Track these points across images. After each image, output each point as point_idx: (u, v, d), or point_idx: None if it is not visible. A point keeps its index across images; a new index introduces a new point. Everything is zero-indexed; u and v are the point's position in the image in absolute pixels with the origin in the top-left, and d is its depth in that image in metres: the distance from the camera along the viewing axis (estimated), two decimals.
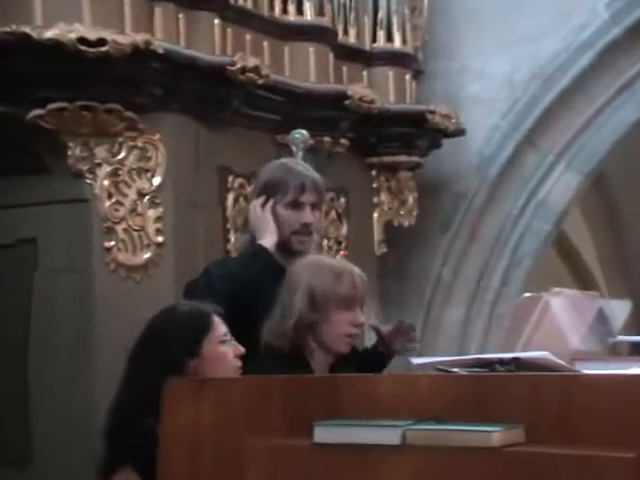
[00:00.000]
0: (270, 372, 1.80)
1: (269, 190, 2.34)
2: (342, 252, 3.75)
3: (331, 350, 2.07)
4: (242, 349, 1.93)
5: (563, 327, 1.85)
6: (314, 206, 2.34)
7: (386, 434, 1.44)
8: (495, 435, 1.40)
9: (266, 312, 2.09)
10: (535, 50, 4.25)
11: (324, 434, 1.49)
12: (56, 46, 2.75)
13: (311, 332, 2.05)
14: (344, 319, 2.05)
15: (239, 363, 1.93)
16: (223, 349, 1.91)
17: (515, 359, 1.60)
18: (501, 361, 1.60)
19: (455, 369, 1.60)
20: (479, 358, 1.65)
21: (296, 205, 2.32)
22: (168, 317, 1.95)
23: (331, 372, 2.07)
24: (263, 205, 2.32)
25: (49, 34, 2.75)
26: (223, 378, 1.81)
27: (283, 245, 2.32)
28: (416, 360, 1.72)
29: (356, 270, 2.09)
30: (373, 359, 2.33)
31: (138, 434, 1.80)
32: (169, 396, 1.61)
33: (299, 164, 2.40)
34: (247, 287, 2.19)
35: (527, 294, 1.96)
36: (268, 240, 2.29)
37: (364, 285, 2.08)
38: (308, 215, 2.32)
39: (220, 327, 1.93)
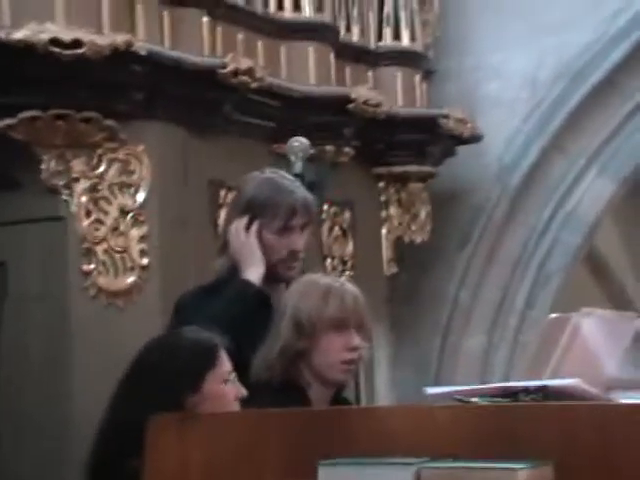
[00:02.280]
0: (260, 408, 1.77)
1: (254, 209, 2.25)
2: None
3: (328, 380, 2.02)
4: (244, 391, 1.88)
5: (596, 351, 1.83)
6: (303, 227, 2.27)
7: (398, 473, 1.42)
8: (521, 473, 1.38)
9: (252, 352, 2.04)
10: (561, 43, 4.24)
11: (329, 475, 1.47)
12: (26, 48, 2.77)
13: (303, 362, 2.01)
14: (336, 343, 1.99)
15: (238, 406, 1.88)
16: (226, 389, 1.86)
17: (542, 387, 1.58)
18: (526, 390, 1.58)
19: (475, 399, 1.58)
20: (502, 387, 1.63)
21: (285, 230, 2.25)
22: (171, 343, 1.91)
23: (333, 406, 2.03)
24: (247, 227, 2.24)
25: (18, 35, 2.77)
26: (213, 414, 1.79)
27: (268, 272, 2.25)
28: (431, 390, 1.71)
29: (348, 287, 2.04)
30: None
31: (121, 475, 1.77)
32: (153, 433, 1.59)
33: (287, 179, 2.32)
34: (234, 332, 2.08)
35: (554, 315, 1.94)
36: (254, 273, 2.22)
37: (358, 303, 2.02)
38: (298, 242, 2.25)
39: (226, 363, 1.88)
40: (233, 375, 1.90)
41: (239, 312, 2.18)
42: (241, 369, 1.98)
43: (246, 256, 2.23)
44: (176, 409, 1.74)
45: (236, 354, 1.97)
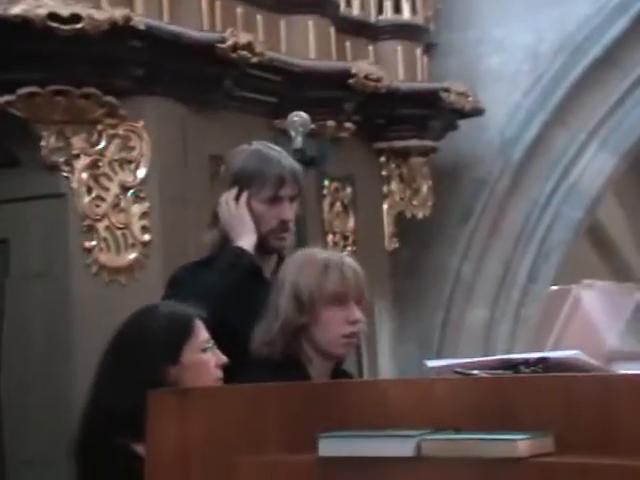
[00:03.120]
0: (260, 382, 1.77)
1: (242, 181, 2.24)
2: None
3: (329, 354, 2.02)
4: (224, 358, 1.90)
5: (597, 323, 1.83)
6: (292, 199, 2.26)
7: (399, 445, 1.42)
8: (521, 444, 1.38)
9: (246, 321, 2.04)
10: (562, 16, 4.21)
11: (329, 447, 1.47)
12: (24, 23, 2.74)
13: (304, 336, 2.00)
14: (336, 317, 1.99)
15: (220, 373, 1.90)
16: (205, 357, 1.88)
17: (543, 359, 1.58)
18: (527, 362, 1.58)
19: (475, 372, 1.58)
20: (502, 359, 1.63)
21: (274, 200, 2.24)
22: (145, 319, 1.93)
23: (333, 379, 2.03)
24: (236, 199, 2.23)
25: (15, 10, 2.75)
26: (213, 387, 1.79)
27: (259, 243, 2.25)
28: (431, 363, 1.70)
29: (347, 260, 2.03)
30: None
31: (112, 454, 1.78)
32: (153, 409, 1.59)
33: (274, 150, 2.31)
34: (226, 301, 2.12)
35: (555, 287, 1.94)
36: (246, 241, 2.21)
37: (357, 277, 2.01)
38: (287, 211, 2.25)
39: (202, 333, 1.91)
40: (211, 343, 1.90)
41: (232, 279, 2.17)
42: (230, 337, 1.98)
43: (237, 226, 2.23)
44: (158, 382, 1.75)
45: (218, 322, 1.97)
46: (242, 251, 2.21)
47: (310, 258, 2.05)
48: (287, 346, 1.99)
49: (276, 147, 2.35)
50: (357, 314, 2.03)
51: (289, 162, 2.29)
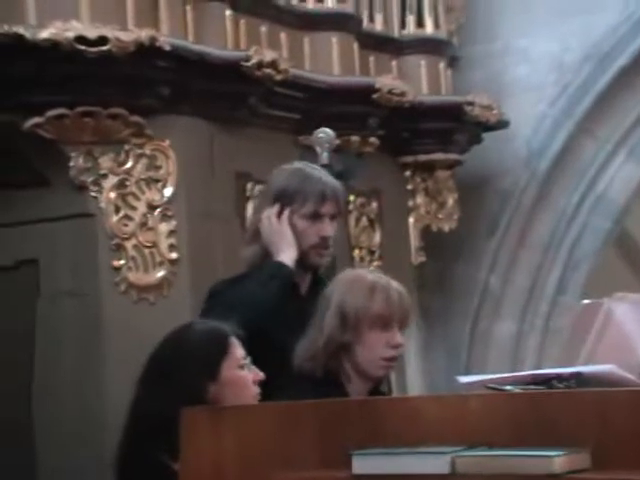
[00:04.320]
0: (301, 398, 1.78)
1: (284, 199, 2.29)
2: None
3: (368, 375, 2.04)
4: (261, 374, 1.92)
5: (630, 336, 1.81)
6: (333, 217, 2.32)
7: (433, 462, 1.42)
8: (557, 460, 1.37)
9: (280, 333, 2.07)
10: (588, 24, 4.18)
11: (363, 464, 1.47)
12: (52, 47, 2.78)
13: (345, 355, 2.02)
14: (379, 340, 2.02)
15: (258, 390, 1.91)
16: (242, 374, 1.90)
17: (576, 374, 1.56)
18: (560, 377, 1.57)
19: (508, 387, 1.57)
20: (535, 374, 1.62)
21: (315, 216, 2.29)
22: (183, 337, 1.94)
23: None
24: (279, 215, 2.29)
25: (44, 34, 2.78)
26: (247, 405, 1.80)
27: (298, 259, 2.29)
28: (464, 379, 1.70)
29: (393, 284, 2.06)
30: None
31: (148, 470, 1.79)
32: (187, 426, 1.60)
33: (316, 169, 2.37)
34: (266, 310, 2.16)
35: (586, 301, 1.92)
36: (287, 255, 2.25)
37: (403, 301, 2.04)
38: (328, 228, 2.29)
39: (239, 350, 1.92)
40: (248, 360, 1.92)
41: (272, 290, 2.21)
42: (265, 347, 2.00)
43: (278, 240, 2.27)
44: (198, 400, 1.76)
45: (255, 331, 2.00)
46: (283, 264, 2.25)
47: (358, 278, 2.07)
48: (328, 363, 2.01)
49: (317, 167, 2.40)
50: (399, 339, 2.06)
51: (330, 180, 2.34)
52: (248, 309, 2.15)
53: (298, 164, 2.40)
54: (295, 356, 2.04)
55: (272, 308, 2.17)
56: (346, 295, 2.03)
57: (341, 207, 2.37)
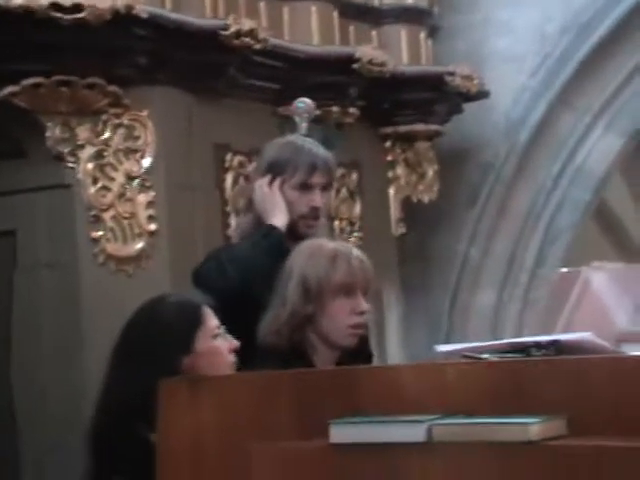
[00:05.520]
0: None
1: (276, 169, 2.36)
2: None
3: (335, 344, 2.04)
4: (236, 342, 1.92)
5: (607, 305, 1.82)
6: (324, 188, 2.36)
7: (410, 431, 1.42)
8: (534, 428, 1.38)
9: (265, 295, 2.09)
10: None
11: (341, 433, 1.47)
12: (26, 14, 2.73)
13: (310, 326, 2.02)
14: (343, 308, 2.01)
15: (234, 358, 1.91)
16: (217, 343, 1.90)
17: (553, 342, 1.57)
18: (538, 345, 1.57)
19: (485, 355, 1.57)
20: (512, 342, 1.63)
21: (305, 187, 2.34)
22: (155, 310, 1.93)
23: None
24: (270, 184, 2.33)
25: (17, 1, 2.73)
26: (224, 376, 1.80)
27: (289, 229, 2.33)
28: (441, 347, 1.70)
29: (354, 252, 2.06)
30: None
31: (126, 443, 1.79)
32: (165, 398, 1.59)
33: (307, 141, 2.42)
34: (258, 269, 2.21)
35: (564, 269, 1.93)
36: (279, 219, 2.31)
37: (365, 268, 2.04)
38: (318, 198, 2.34)
39: (212, 320, 1.92)
40: (222, 329, 1.92)
41: (263, 249, 2.25)
42: (251, 305, 2.01)
43: (270, 207, 2.32)
44: (172, 372, 1.77)
45: (244, 289, 2.06)
46: (274, 226, 2.31)
47: (318, 248, 2.06)
48: (292, 335, 2.00)
49: (309, 139, 2.43)
50: (364, 305, 2.05)
51: (322, 152, 2.39)
52: (240, 265, 2.21)
53: (290, 137, 2.46)
54: (259, 330, 2.03)
55: (262, 265, 2.21)
56: (307, 265, 2.02)
57: (332, 178, 2.42)
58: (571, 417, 1.41)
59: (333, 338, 2.02)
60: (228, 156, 3.35)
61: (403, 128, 4.06)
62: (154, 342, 1.86)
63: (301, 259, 2.04)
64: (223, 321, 1.94)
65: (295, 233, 2.32)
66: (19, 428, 2.97)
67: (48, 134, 2.96)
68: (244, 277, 2.20)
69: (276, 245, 2.26)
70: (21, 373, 3.00)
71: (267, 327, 2.03)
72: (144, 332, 1.89)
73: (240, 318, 2.01)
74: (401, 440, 1.42)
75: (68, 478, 2.67)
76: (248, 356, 1.95)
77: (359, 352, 2.11)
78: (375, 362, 2.36)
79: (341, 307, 2.01)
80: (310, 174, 2.33)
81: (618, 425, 1.40)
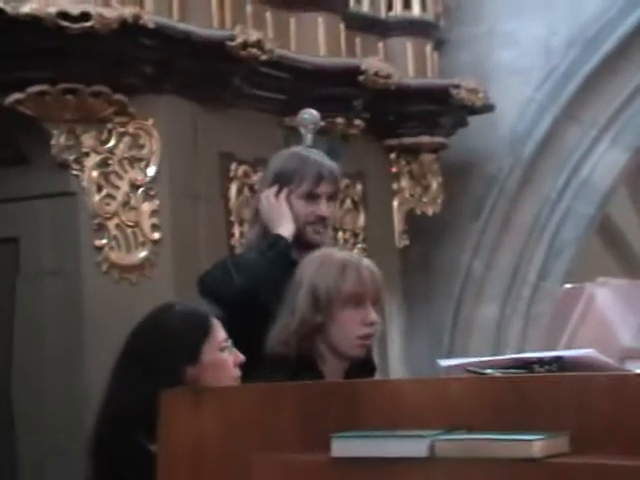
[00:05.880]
0: (273, 381, 1.77)
1: (282, 180, 2.37)
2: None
3: (343, 354, 2.03)
4: (242, 357, 1.91)
5: (611, 321, 1.82)
6: (330, 198, 2.37)
7: (412, 446, 1.42)
8: (537, 444, 1.37)
9: (273, 303, 2.10)
10: (575, 9, 4.16)
11: (342, 447, 1.46)
12: (34, 22, 2.74)
13: (319, 336, 2.01)
14: (353, 319, 2.00)
15: (239, 372, 1.90)
16: (223, 356, 1.89)
17: (557, 358, 1.57)
18: (541, 361, 1.57)
19: (489, 371, 1.57)
20: (516, 358, 1.62)
21: (312, 196, 2.35)
22: (162, 318, 1.92)
23: (346, 379, 2.03)
24: (277, 194, 2.35)
25: (26, 9, 2.75)
26: (226, 387, 1.79)
27: (297, 237, 2.34)
28: (444, 362, 1.70)
29: (364, 262, 2.06)
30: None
31: (127, 452, 1.78)
32: (167, 408, 1.59)
33: (313, 152, 2.43)
34: (264, 279, 2.21)
35: (569, 285, 1.93)
36: (285, 229, 2.32)
37: (374, 278, 2.04)
38: (324, 208, 2.35)
39: (220, 332, 1.91)
40: (229, 342, 1.91)
41: (270, 258, 2.27)
42: (258, 314, 2.04)
43: (276, 217, 2.34)
44: (177, 382, 1.75)
45: (250, 297, 2.08)
46: (280, 236, 2.32)
47: (328, 258, 2.06)
48: (301, 345, 1.99)
49: (316, 151, 2.45)
50: (373, 316, 2.04)
51: (327, 162, 2.40)
52: (246, 274, 2.22)
53: (296, 148, 2.47)
54: (268, 340, 2.03)
55: (269, 274, 2.22)
56: (317, 275, 2.02)
57: (338, 188, 2.44)
58: (574, 434, 1.40)
59: (342, 348, 2.01)
60: (233, 166, 3.35)
61: (408, 140, 4.07)
62: (159, 350, 1.85)
63: (311, 269, 2.04)
64: (229, 331, 1.93)
65: (303, 242, 2.33)
66: (19, 434, 2.96)
67: (53, 142, 2.97)
68: (250, 285, 2.21)
69: (282, 254, 2.27)
70: (22, 380, 2.99)
71: (276, 337, 2.02)
72: (149, 340, 1.88)
73: (246, 326, 2.01)
74: (403, 455, 1.41)
75: None
76: (254, 365, 1.94)
77: (366, 362, 2.10)
78: (377, 373, 2.35)
79: (350, 317, 2.00)
80: (317, 184, 2.34)
81: (621, 442, 1.39)
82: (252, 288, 2.19)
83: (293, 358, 2.00)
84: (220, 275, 2.28)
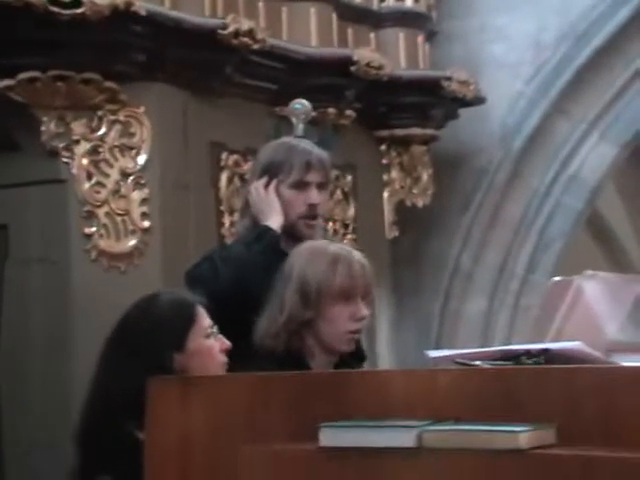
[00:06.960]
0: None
1: (271, 170, 2.37)
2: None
3: (333, 349, 2.01)
4: (228, 343, 1.91)
5: (598, 314, 1.82)
6: (320, 186, 2.36)
7: (400, 436, 1.42)
8: (523, 436, 1.38)
9: (262, 293, 2.09)
10: (565, 4, 4.18)
11: (331, 437, 1.47)
12: (25, 8, 2.72)
13: (308, 330, 1.99)
14: (343, 314, 1.98)
15: (225, 358, 1.91)
16: (209, 343, 1.89)
17: (544, 350, 1.58)
18: (529, 353, 1.58)
19: (477, 362, 1.58)
20: (503, 350, 1.63)
21: (301, 185, 2.35)
22: (149, 307, 1.93)
23: (335, 369, 2.02)
24: (266, 186, 2.34)
25: None
26: (215, 376, 1.79)
27: (289, 230, 2.34)
28: (433, 353, 1.70)
29: (355, 256, 2.02)
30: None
31: (114, 440, 1.78)
32: (154, 397, 1.59)
33: (302, 142, 2.43)
34: (251, 270, 2.21)
35: (556, 278, 1.93)
36: (274, 220, 2.32)
37: (365, 273, 2.01)
38: (314, 195, 2.34)
39: (205, 319, 1.91)
40: (214, 328, 1.91)
41: (257, 250, 2.26)
42: (246, 305, 2.03)
43: (265, 208, 2.33)
44: (164, 370, 1.76)
45: (237, 288, 2.08)
46: (269, 227, 2.31)
47: (319, 251, 2.03)
48: (290, 340, 1.99)
49: (306, 141, 2.44)
50: (364, 311, 2.02)
51: (316, 150, 2.39)
52: (233, 265, 2.22)
53: (286, 138, 2.45)
54: (256, 332, 2.02)
55: (256, 265, 2.21)
56: (307, 269, 1.98)
57: (328, 176, 2.41)
58: (560, 426, 1.41)
59: (331, 343, 2.00)
60: (224, 155, 3.35)
61: (399, 132, 4.07)
62: (146, 337, 1.85)
63: (301, 262, 2.01)
64: (216, 321, 1.93)
65: (295, 234, 2.33)
66: (4, 421, 2.96)
67: (43, 128, 2.95)
68: (237, 277, 2.20)
69: (271, 246, 2.26)
70: (9, 367, 2.99)
71: (264, 330, 2.01)
72: (136, 327, 1.89)
73: (236, 317, 2.01)
74: (391, 445, 1.42)
75: (53, 475, 2.66)
76: (243, 356, 1.94)
77: (353, 354, 2.10)
78: (365, 364, 2.35)
79: (340, 313, 1.98)
80: (305, 172, 2.33)
81: (607, 435, 1.40)
82: (239, 280, 2.19)
83: (281, 352, 1.98)
84: (207, 268, 2.27)
